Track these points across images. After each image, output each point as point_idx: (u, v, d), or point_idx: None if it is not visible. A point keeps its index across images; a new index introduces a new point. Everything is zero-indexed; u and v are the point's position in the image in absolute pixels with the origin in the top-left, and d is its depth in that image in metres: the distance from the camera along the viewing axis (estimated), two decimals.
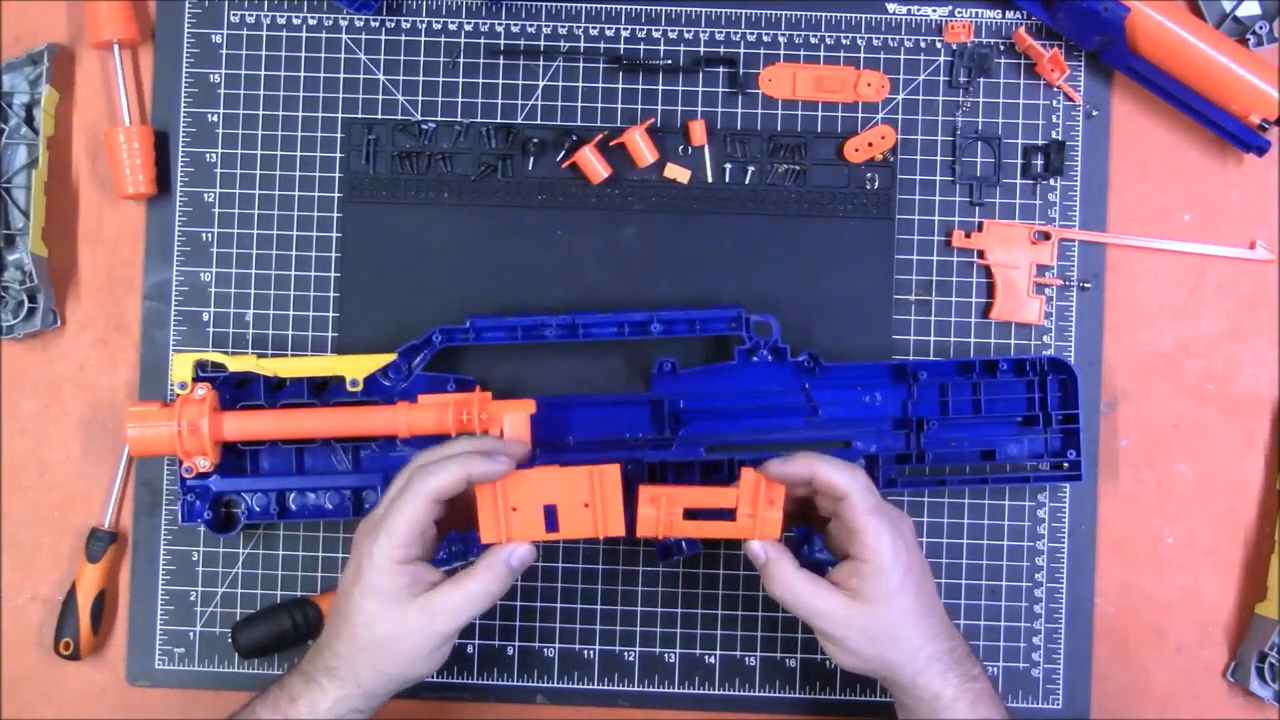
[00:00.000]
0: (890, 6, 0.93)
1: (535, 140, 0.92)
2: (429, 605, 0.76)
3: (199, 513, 0.89)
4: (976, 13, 0.93)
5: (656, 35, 0.93)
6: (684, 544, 0.87)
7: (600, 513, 0.79)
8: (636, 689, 0.92)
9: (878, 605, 0.77)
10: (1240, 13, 0.91)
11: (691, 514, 0.81)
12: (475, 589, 0.76)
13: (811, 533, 0.84)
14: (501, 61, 0.93)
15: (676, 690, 0.92)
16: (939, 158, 0.93)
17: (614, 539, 0.91)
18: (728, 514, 0.81)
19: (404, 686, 0.78)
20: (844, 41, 0.93)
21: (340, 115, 0.93)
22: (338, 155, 0.93)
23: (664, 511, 0.80)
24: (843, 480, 0.78)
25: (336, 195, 0.93)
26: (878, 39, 0.93)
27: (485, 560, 0.78)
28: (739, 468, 0.82)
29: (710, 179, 0.93)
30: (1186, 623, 0.93)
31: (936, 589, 0.82)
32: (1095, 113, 0.93)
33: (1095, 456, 0.92)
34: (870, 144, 0.92)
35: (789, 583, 0.78)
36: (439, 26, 0.93)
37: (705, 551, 0.91)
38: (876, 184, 0.93)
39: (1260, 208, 0.93)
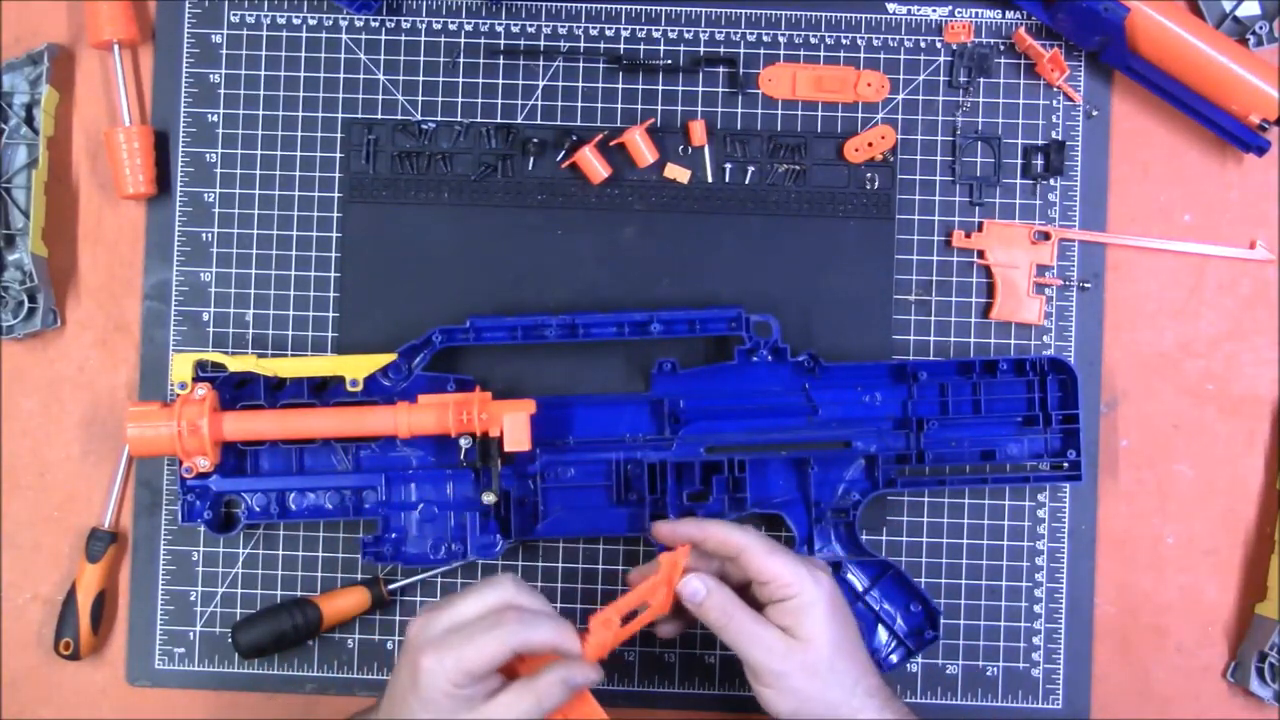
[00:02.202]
0: (890, 6, 0.93)
1: (535, 140, 0.92)
2: (483, 714, 0.72)
3: (199, 513, 0.89)
4: (976, 13, 0.93)
5: (656, 35, 0.93)
6: None
7: None
8: (637, 689, 0.92)
9: (813, 640, 0.76)
10: (1240, 13, 0.91)
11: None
12: (525, 706, 0.73)
13: None
14: (501, 61, 0.93)
15: (676, 690, 0.92)
16: (939, 158, 0.93)
17: (613, 538, 0.91)
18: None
19: None
20: (844, 41, 0.93)
21: (340, 115, 0.93)
22: (338, 155, 0.93)
23: (615, 632, 0.77)
24: (735, 536, 0.78)
25: (336, 195, 0.93)
26: (878, 39, 0.93)
27: (544, 676, 0.74)
28: (658, 553, 0.80)
29: (710, 179, 0.93)
30: (1186, 623, 0.93)
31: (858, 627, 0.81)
32: (1095, 113, 0.93)
33: (1095, 456, 0.92)
34: (870, 144, 0.92)
35: (730, 612, 0.77)
36: (439, 26, 0.93)
37: None
38: (876, 184, 0.93)
39: (1260, 208, 0.93)
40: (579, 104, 0.93)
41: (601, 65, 0.93)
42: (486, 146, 0.93)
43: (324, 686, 0.92)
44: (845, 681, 0.77)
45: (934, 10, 0.93)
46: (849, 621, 0.79)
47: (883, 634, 0.90)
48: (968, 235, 0.92)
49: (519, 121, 0.93)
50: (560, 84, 0.93)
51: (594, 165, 0.91)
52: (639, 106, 0.93)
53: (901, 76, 0.93)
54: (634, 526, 0.89)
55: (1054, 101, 0.93)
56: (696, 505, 0.88)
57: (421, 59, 0.93)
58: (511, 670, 0.75)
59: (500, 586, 0.75)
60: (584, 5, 0.93)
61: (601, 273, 0.92)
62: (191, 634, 0.92)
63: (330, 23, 0.93)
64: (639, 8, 0.93)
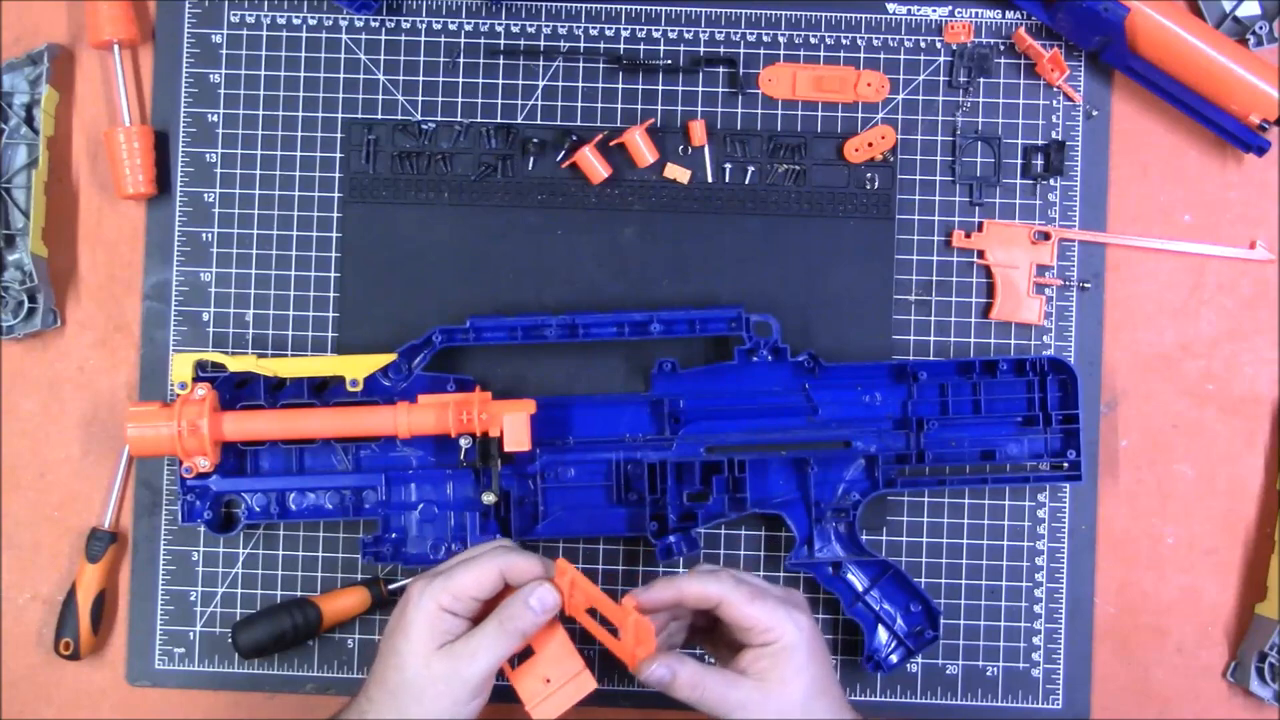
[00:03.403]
0: (890, 6, 0.93)
1: (535, 140, 0.92)
2: (452, 651, 0.75)
3: (199, 513, 0.89)
4: (976, 13, 0.93)
5: (656, 35, 0.93)
6: (684, 544, 0.87)
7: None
8: (637, 689, 0.92)
9: (790, 684, 0.76)
10: (1240, 13, 0.91)
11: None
12: (491, 630, 0.75)
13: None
14: (501, 61, 0.93)
15: None
16: (939, 158, 0.93)
17: (614, 538, 0.91)
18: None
19: None
20: (844, 41, 0.93)
21: (340, 115, 0.93)
22: (338, 155, 0.93)
23: (569, 591, 0.78)
24: (711, 588, 0.77)
25: (336, 195, 0.93)
26: (878, 39, 0.93)
27: (504, 603, 0.76)
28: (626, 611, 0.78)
29: (710, 179, 0.93)
30: (1186, 623, 0.93)
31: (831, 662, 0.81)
32: (1095, 113, 0.93)
33: (1095, 456, 0.92)
34: (870, 144, 0.92)
35: (701, 682, 0.76)
36: (439, 26, 0.93)
37: (705, 551, 0.91)
38: (876, 184, 0.93)
39: (1260, 208, 0.93)
40: (579, 104, 0.93)
41: (601, 65, 0.93)
42: (486, 146, 0.93)
43: (324, 686, 0.92)
44: None
45: (934, 10, 0.93)
46: (825, 660, 0.79)
47: (883, 634, 0.90)
48: (968, 235, 0.92)
49: (519, 121, 0.93)
50: (560, 84, 0.93)
51: (594, 165, 0.91)
52: (639, 106, 0.93)
53: (901, 76, 0.93)
54: (634, 526, 0.89)
55: (1054, 101, 0.93)
56: (696, 505, 0.88)
57: (421, 59, 0.93)
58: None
59: (492, 541, 0.82)
60: (584, 5, 0.93)
61: (601, 273, 0.92)
62: (191, 634, 0.92)
63: (330, 23, 0.93)
64: (639, 8, 0.93)
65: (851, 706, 0.80)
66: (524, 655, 0.80)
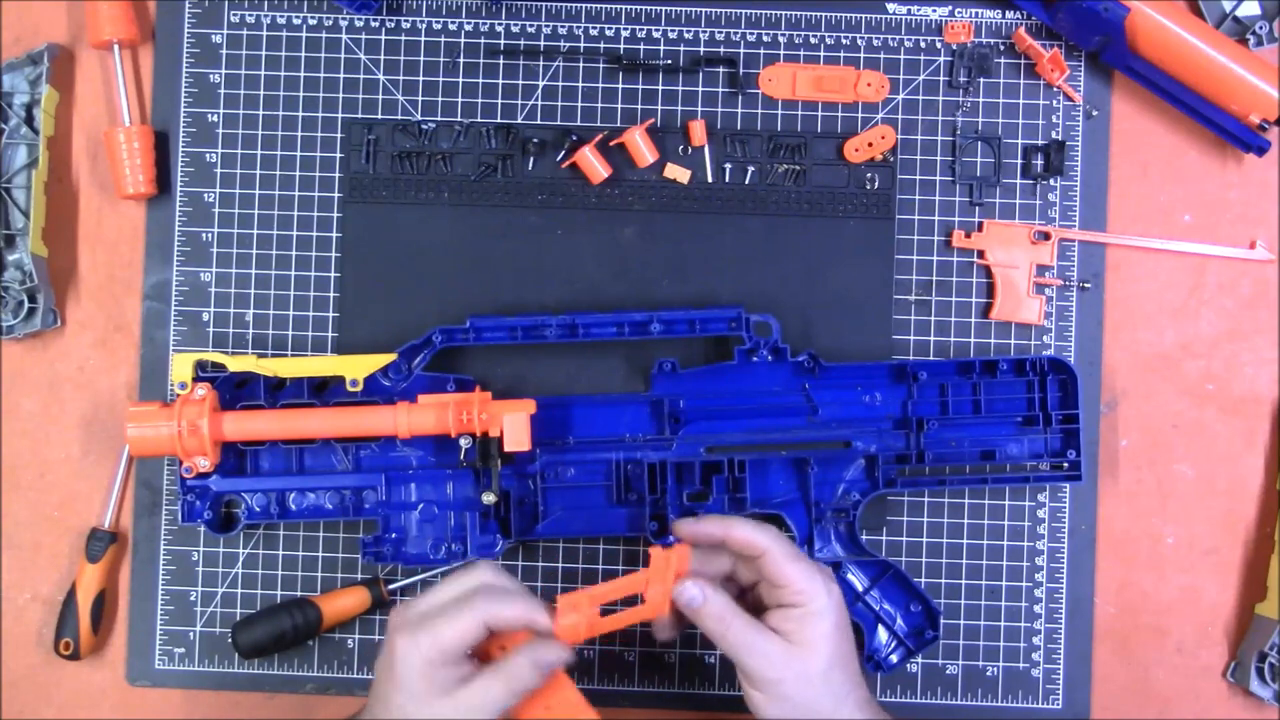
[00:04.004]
0: (890, 6, 0.93)
1: (535, 140, 0.92)
2: (455, 700, 0.73)
3: (199, 513, 0.89)
4: (976, 13, 0.93)
5: (656, 35, 0.93)
6: None
7: None
8: (636, 689, 0.92)
9: (815, 649, 0.76)
10: (1240, 13, 0.91)
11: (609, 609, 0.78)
12: (497, 687, 0.73)
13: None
14: (501, 61, 0.93)
15: (676, 690, 0.92)
16: (939, 158, 0.93)
17: (613, 538, 0.91)
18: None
19: None
20: (844, 41, 0.93)
21: (340, 115, 0.93)
22: (338, 155, 0.93)
23: (586, 614, 0.76)
24: (760, 537, 0.77)
25: (336, 195, 0.93)
26: (878, 39, 0.93)
27: (514, 658, 0.75)
28: (647, 549, 0.79)
29: (710, 179, 0.93)
30: (1186, 623, 0.93)
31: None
32: (1095, 113, 0.93)
33: (1095, 456, 0.92)
34: (870, 144, 0.92)
35: (729, 618, 0.76)
36: (439, 26, 0.93)
37: None
38: (876, 184, 0.93)
39: (1260, 208, 0.93)
40: (579, 104, 0.93)
41: (601, 65, 0.93)
42: (486, 146, 0.93)
43: (324, 686, 0.92)
44: (839, 692, 0.77)
45: (934, 10, 0.93)
46: (849, 635, 0.79)
47: (883, 634, 0.90)
48: (968, 235, 0.92)
49: (519, 121, 0.93)
50: (560, 84, 0.93)
51: (594, 165, 0.91)
52: (639, 106, 0.93)
53: (901, 76, 0.93)
54: (634, 526, 0.89)
55: (1054, 101, 0.93)
56: (696, 505, 0.88)
57: (421, 59, 0.93)
58: (488, 657, 0.76)
59: (475, 571, 0.77)
60: (584, 5, 0.93)
61: (601, 273, 0.92)
62: (191, 634, 0.92)
63: (330, 23, 0.93)
64: (639, 8, 0.93)
65: (867, 685, 0.79)
66: None
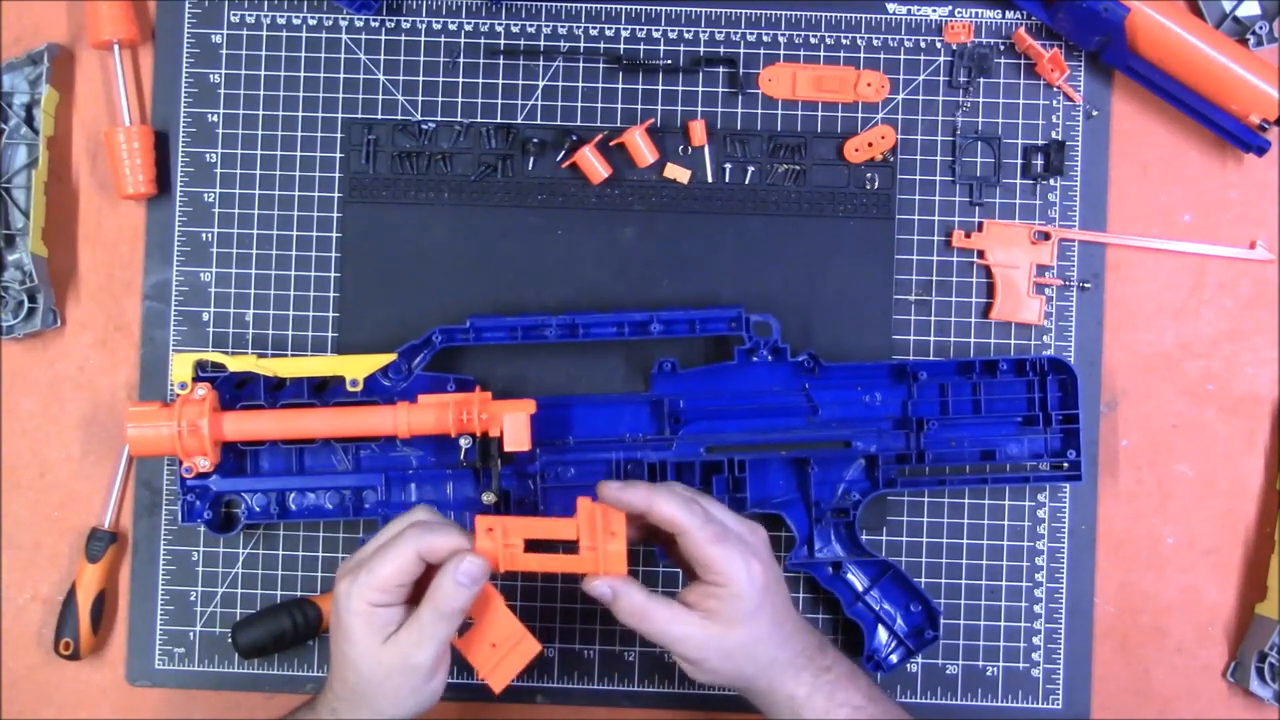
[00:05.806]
0: (890, 6, 0.93)
1: (535, 140, 0.92)
2: (397, 642, 0.75)
3: (199, 513, 0.89)
4: (976, 13, 0.93)
5: (656, 35, 0.93)
6: None
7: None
8: (636, 689, 0.92)
9: (735, 627, 0.77)
10: (1240, 13, 0.91)
11: (535, 546, 0.78)
12: (428, 615, 0.75)
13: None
14: (501, 61, 0.93)
15: (676, 690, 0.92)
16: (939, 158, 0.93)
17: None
18: (573, 546, 0.77)
19: (415, 715, 0.77)
20: (844, 41, 0.93)
21: (340, 115, 0.93)
22: (338, 155, 0.93)
23: (501, 542, 0.77)
24: (681, 517, 0.76)
25: (336, 195, 0.93)
26: (878, 39, 0.93)
27: (434, 584, 0.75)
28: (576, 499, 0.77)
29: (710, 179, 0.93)
30: (1186, 623, 0.93)
31: (790, 597, 0.81)
32: (1095, 113, 0.93)
33: (1095, 456, 0.92)
34: (870, 144, 0.92)
35: (643, 612, 0.76)
36: (439, 26, 0.93)
37: None
38: (876, 184, 0.93)
39: (1260, 208, 0.93)
40: (579, 104, 0.93)
41: (601, 65, 0.93)
42: (486, 146, 0.93)
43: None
44: (762, 659, 0.78)
45: (934, 10, 0.93)
46: (777, 602, 0.79)
47: (883, 634, 0.90)
48: (968, 235, 0.92)
49: (519, 121, 0.93)
50: (560, 84, 0.93)
51: (594, 165, 0.91)
52: (639, 106, 0.93)
53: (901, 76, 0.93)
54: None
55: (1054, 101, 0.93)
56: None
57: (421, 59, 0.93)
58: None
59: (410, 513, 0.78)
60: (584, 5, 0.93)
61: (601, 273, 0.92)
62: (191, 634, 0.92)
63: (330, 23, 0.93)
64: (639, 8, 0.93)
65: (805, 630, 0.79)
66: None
